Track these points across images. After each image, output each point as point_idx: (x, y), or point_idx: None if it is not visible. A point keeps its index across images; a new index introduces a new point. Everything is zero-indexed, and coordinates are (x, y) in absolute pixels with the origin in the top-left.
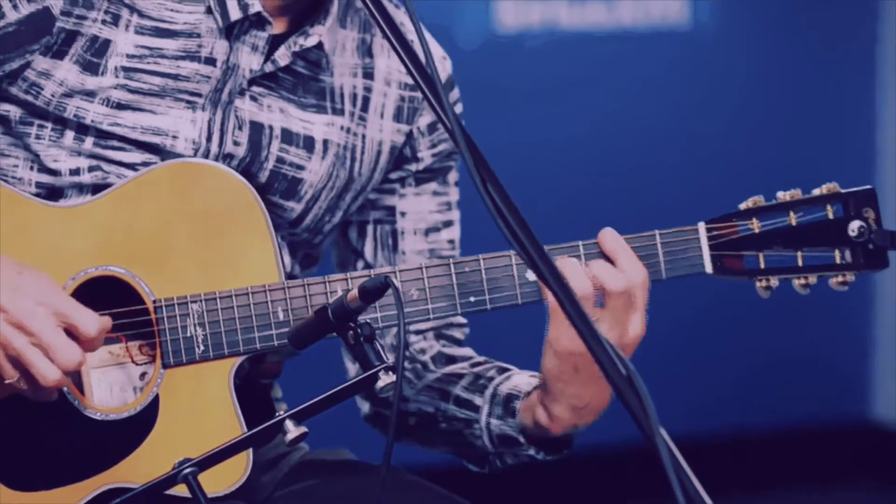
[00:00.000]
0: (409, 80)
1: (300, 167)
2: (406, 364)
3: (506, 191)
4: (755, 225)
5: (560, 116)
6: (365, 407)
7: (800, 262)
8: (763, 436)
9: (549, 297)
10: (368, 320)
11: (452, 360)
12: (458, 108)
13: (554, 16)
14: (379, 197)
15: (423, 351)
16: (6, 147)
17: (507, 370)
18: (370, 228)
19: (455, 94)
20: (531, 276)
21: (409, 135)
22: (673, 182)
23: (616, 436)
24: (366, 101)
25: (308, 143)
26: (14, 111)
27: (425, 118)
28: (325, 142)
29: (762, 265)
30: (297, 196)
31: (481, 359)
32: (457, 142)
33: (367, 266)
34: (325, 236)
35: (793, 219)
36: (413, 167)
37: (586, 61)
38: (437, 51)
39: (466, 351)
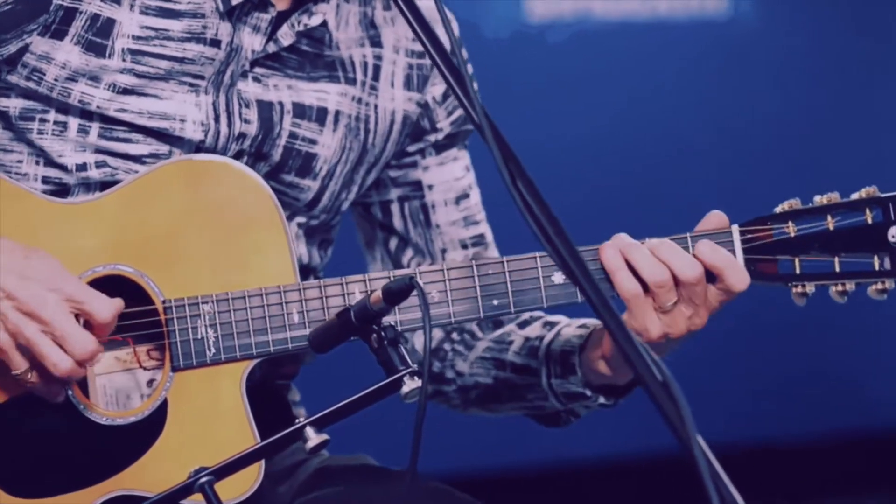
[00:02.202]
0: (417, 48)
1: (313, 141)
2: (455, 336)
3: (536, 187)
4: (791, 229)
5: (591, 109)
6: None
7: (837, 268)
8: (801, 445)
9: (623, 293)
10: (391, 323)
11: (499, 322)
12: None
13: (586, 5)
14: (400, 173)
15: None
16: (8, 142)
17: (552, 324)
18: (395, 207)
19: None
20: (558, 278)
21: (425, 106)
22: (706, 178)
23: (650, 444)
24: (377, 69)
25: (320, 115)
26: (14, 106)
27: (438, 87)
28: (337, 113)
29: (798, 270)
30: (312, 173)
31: (526, 315)
32: (484, 136)
33: (403, 242)
34: (341, 216)
35: (830, 223)
36: (433, 138)
37: (619, 53)
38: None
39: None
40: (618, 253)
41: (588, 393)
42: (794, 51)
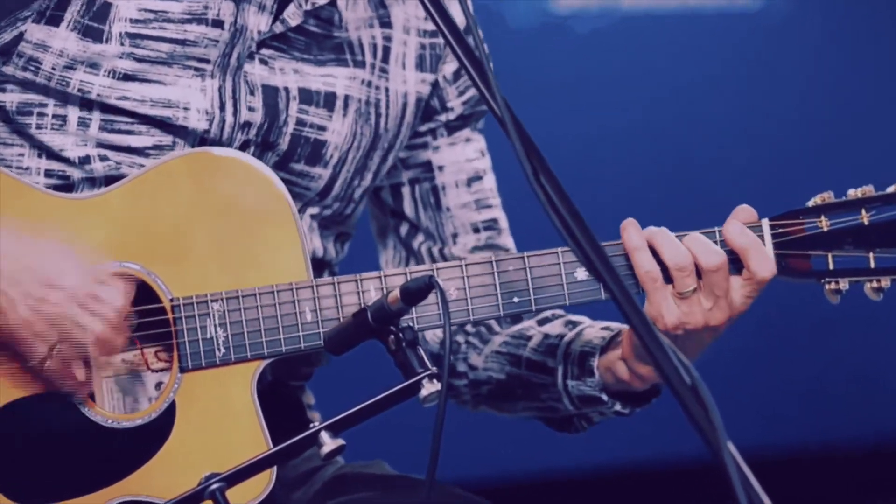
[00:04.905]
0: (428, 27)
1: (322, 128)
2: (469, 328)
3: (559, 182)
4: (824, 223)
5: (617, 103)
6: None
7: (872, 264)
8: (836, 451)
9: (641, 272)
10: (409, 323)
11: (517, 317)
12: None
13: None
14: (410, 154)
15: None
16: (8, 136)
17: (574, 324)
18: (406, 190)
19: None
20: (581, 274)
21: (435, 84)
22: (735, 173)
23: (676, 449)
24: (386, 51)
25: (329, 101)
26: (11, 101)
27: (449, 66)
28: (346, 98)
29: (831, 266)
30: (322, 161)
31: (548, 312)
32: (506, 129)
33: (413, 228)
34: (357, 205)
35: (865, 217)
36: (444, 118)
37: (647, 44)
38: None
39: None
40: (639, 232)
41: (604, 398)
42: (826, 42)
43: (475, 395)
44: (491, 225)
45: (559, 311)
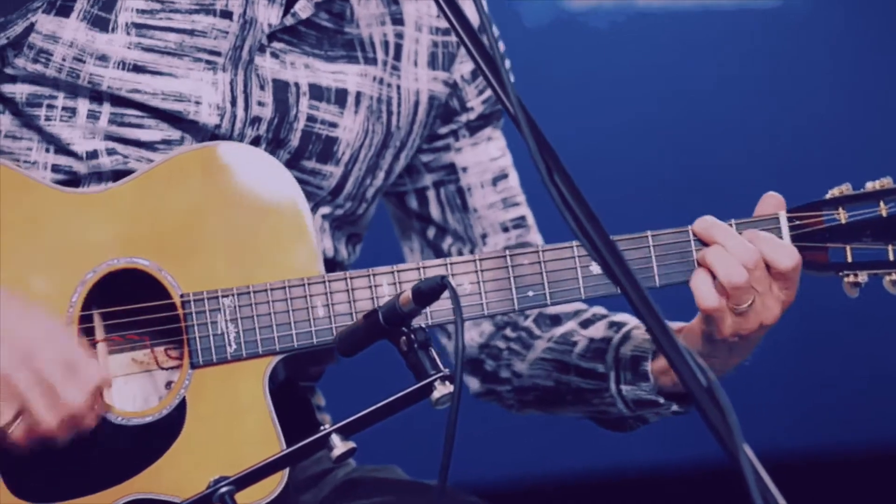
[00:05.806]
0: (441, 25)
1: (333, 125)
2: (509, 333)
3: (573, 180)
4: (842, 215)
5: (633, 100)
6: (474, 384)
7: (891, 257)
8: (858, 454)
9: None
10: (421, 323)
11: (557, 319)
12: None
13: None
14: (433, 157)
15: (524, 314)
16: (17, 129)
17: (619, 325)
18: (431, 194)
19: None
20: (596, 268)
21: (454, 86)
22: (753, 171)
23: (692, 452)
24: (398, 48)
25: (340, 97)
26: (20, 92)
27: (466, 65)
28: (358, 94)
29: (849, 259)
30: (334, 158)
31: (588, 312)
32: (520, 128)
33: (441, 230)
34: (369, 205)
35: (883, 209)
36: (464, 118)
37: (662, 41)
38: None
39: (567, 304)
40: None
41: (661, 400)
42: (845, 37)
43: (521, 401)
44: (520, 223)
45: (601, 311)
